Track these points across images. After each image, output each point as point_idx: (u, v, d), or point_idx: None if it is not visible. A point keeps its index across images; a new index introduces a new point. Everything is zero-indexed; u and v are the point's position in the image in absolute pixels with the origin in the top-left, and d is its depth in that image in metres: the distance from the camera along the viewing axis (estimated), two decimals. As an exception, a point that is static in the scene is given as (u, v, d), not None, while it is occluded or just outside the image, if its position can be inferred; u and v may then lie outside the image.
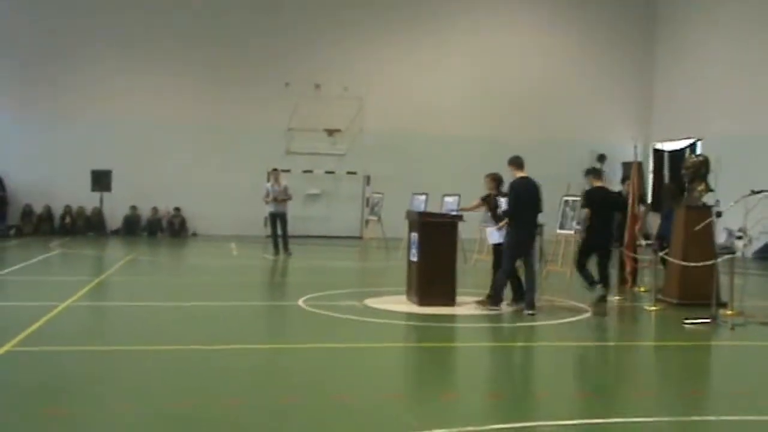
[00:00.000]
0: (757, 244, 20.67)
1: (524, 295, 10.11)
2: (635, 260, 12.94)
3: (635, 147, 13.80)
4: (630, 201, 12.94)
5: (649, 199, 23.37)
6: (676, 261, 10.80)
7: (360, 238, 23.80)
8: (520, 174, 10.23)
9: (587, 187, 12.04)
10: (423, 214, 11.33)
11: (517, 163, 10.30)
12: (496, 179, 10.97)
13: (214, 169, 24.22)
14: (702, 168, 11.59)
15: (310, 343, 8.06)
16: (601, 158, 26.43)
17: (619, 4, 27.00)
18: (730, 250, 18.45)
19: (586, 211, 11.74)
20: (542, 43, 26.59)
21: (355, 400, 5.79)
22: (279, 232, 17.37)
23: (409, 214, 11.34)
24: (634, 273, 13.06)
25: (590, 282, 11.24)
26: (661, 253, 11.39)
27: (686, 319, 9.47)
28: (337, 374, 6.74)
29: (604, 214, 11.49)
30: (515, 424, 5.32)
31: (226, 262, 17.16)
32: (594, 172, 12.19)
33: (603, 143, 26.23)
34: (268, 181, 17.63)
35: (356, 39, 25.43)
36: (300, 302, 10.42)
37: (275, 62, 24.76)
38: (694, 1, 25.19)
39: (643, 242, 13.43)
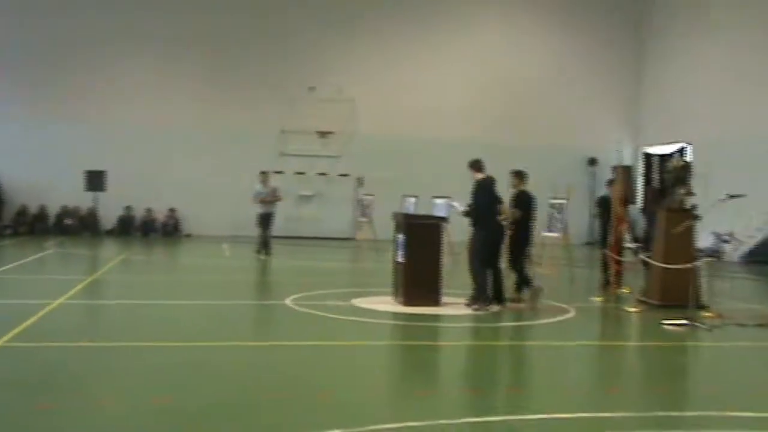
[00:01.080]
0: (746, 248, 20.94)
1: (502, 296, 10.48)
2: (619, 262, 13.14)
3: (617, 151, 13.99)
4: (615, 204, 13.16)
5: (639, 203, 23.66)
6: (657, 263, 11.02)
7: (352, 239, 24.02)
8: (480, 175, 10.53)
9: (513, 190, 11.41)
10: (408, 216, 11.57)
11: (477, 166, 10.63)
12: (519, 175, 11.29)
13: (208, 171, 24.43)
14: (683, 172, 11.83)
15: (295, 340, 8.26)
16: (592, 162, 26.72)
17: (612, 12, 27.29)
18: (717, 253, 18.78)
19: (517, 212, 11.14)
20: (537, 49, 26.86)
21: (336, 395, 6.00)
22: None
23: (396, 216, 11.55)
24: (618, 275, 13.26)
25: (527, 282, 11.26)
26: (643, 256, 11.60)
27: (664, 320, 9.69)
28: (319, 370, 6.94)
29: (528, 216, 11.27)
30: (487, 418, 5.54)
31: (218, 262, 17.36)
32: (520, 175, 11.47)
33: (594, 147, 26.49)
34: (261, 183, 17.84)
35: (351, 42, 25.68)
36: (287, 301, 10.63)
37: (270, 65, 25.00)
38: (684, 10, 25.47)
39: (631, 245, 13.65)
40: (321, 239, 24.30)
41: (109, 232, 24.01)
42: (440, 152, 24.74)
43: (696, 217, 10.88)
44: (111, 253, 18.77)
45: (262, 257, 17.23)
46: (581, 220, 25.04)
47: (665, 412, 5.78)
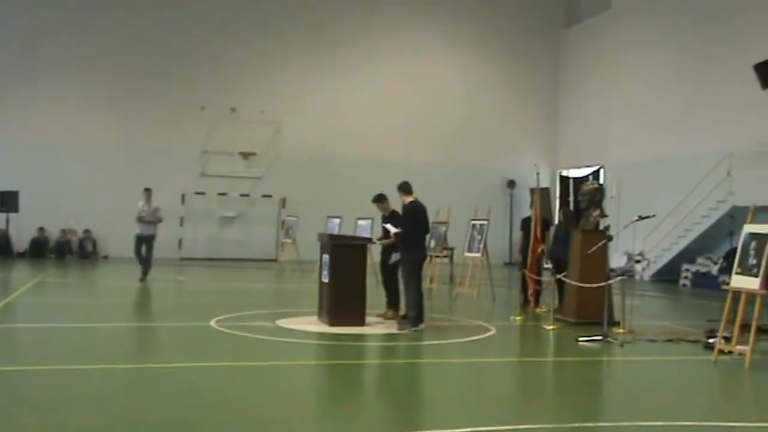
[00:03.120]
0: (655, 267, 21.86)
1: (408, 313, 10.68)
2: (538, 282, 13.56)
3: (537, 174, 14.53)
4: (533, 225, 13.61)
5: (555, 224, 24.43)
6: (572, 282, 11.45)
7: (275, 260, 23.94)
8: (409, 198, 10.73)
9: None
10: (333, 237, 11.70)
11: (406, 188, 10.80)
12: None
13: (127, 191, 23.81)
14: (597, 194, 12.36)
15: (221, 361, 8.24)
16: (511, 184, 27.47)
17: (532, 43, 28.21)
18: (629, 272, 19.56)
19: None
20: (460, 74, 27.49)
21: (264, 414, 6.05)
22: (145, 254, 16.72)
23: (321, 237, 11.66)
24: (537, 294, 13.68)
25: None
26: (559, 275, 12.01)
27: (580, 337, 10.09)
28: (246, 390, 6.96)
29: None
30: (413, 432, 5.70)
31: (138, 284, 17.01)
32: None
33: (513, 170, 27.26)
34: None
35: (272, 63, 25.70)
36: (212, 323, 10.57)
37: (191, 84, 24.76)
38: (596, 46, 26.64)
39: (548, 265, 14.12)
40: (244, 261, 24.12)
41: (21, 255, 23.21)
42: (364, 173, 24.95)
43: (609, 238, 11.36)
44: (25, 276, 18.15)
45: (140, 281, 16.40)
46: (501, 241, 25.68)
47: (581, 423, 6.06)
